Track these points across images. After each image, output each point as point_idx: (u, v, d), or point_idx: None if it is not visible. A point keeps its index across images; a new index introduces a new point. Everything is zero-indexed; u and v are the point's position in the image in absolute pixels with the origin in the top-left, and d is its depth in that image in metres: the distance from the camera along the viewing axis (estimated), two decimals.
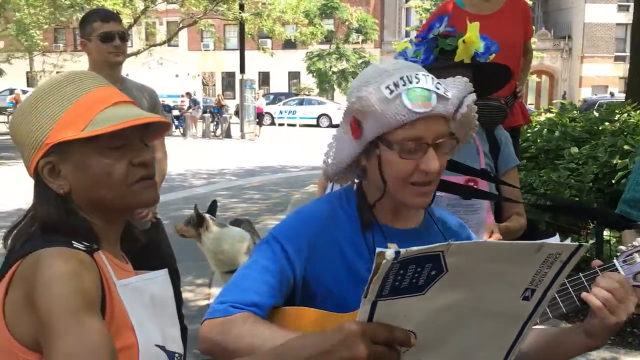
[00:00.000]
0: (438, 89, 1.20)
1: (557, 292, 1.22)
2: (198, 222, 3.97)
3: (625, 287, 1.19)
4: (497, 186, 2.19)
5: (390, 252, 0.78)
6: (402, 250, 0.79)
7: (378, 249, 0.79)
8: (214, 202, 4.32)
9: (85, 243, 1.11)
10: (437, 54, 2.10)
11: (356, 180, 1.38)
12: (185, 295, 4.31)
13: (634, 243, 1.27)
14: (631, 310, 1.19)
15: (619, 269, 1.26)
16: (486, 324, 0.97)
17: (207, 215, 4.05)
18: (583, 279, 1.26)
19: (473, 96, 1.27)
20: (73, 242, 1.09)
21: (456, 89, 1.25)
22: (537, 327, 1.32)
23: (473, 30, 2.11)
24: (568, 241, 1.36)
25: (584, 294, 1.21)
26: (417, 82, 1.20)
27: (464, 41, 2.09)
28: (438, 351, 0.95)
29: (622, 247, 1.29)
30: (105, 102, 1.16)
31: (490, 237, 2.12)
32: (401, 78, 1.20)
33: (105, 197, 1.16)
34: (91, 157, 1.14)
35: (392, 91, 1.19)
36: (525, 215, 2.39)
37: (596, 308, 1.19)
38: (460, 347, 0.98)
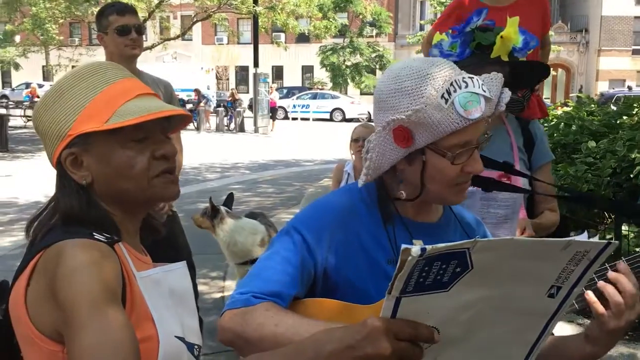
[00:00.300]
0: (485, 91, 1.19)
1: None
2: (213, 214, 4.02)
3: (634, 296, 1.15)
4: (531, 181, 2.16)
5: (416, 248, 0.77)
6: (428, 247, 0.78)
7: (403, 245, 0.79)
8: (231, 195, 4.35)
9: (106, 234, 1.12)
10: (473, 49, 2.07)
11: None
12: (200, 288, 4.33)
13: None
14: (632, 318, 1.14)
15: None
16: (510, 321, 0.96)
17: (222, 208, 4.08)
18: (594, 276, 1.21)
19: (509, 92, 1.26)
20: (94, 233, 1.10)
21: (495, 86, 1.23)
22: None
23: (512, 25, 2.05)
24: (585, 236, 1.34)
25: (588, 297, 1.17)
26: (466, 87, 1.18)
27: (501, 37, 2.04)
28: (460, 347, 0.94)
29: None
30: (129, 94, 1.16)
31: (522, 233, 2.09)
32: (452, 84, 1.18)
33: (127, 189, 1.16)
34: (114, 149, 1.14)
35: (447, 100, 1.17)
36: (558, 212, 2.35)
37: (596, 313, 1.15)
38: (483, 344, 0.97)
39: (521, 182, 2.10)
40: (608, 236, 4.58)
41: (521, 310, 0.95)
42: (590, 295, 1.17)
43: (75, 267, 1.01)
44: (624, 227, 4.27)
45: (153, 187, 1.18)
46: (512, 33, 2.04)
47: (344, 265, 1.27)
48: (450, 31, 2.16)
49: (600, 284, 1.17)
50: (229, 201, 4.26)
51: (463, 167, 1.21)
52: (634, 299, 1.15)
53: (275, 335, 1.11)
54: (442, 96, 1.17)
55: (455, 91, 1.17)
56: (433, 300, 0.85)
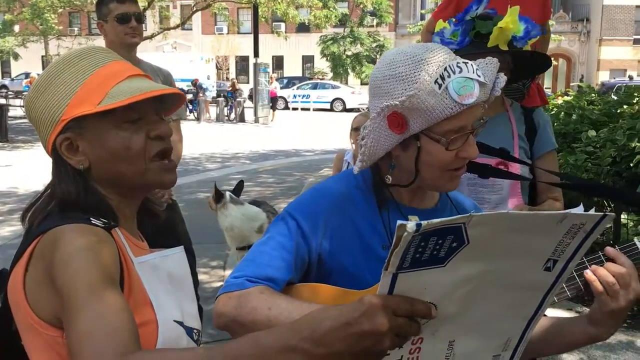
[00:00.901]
0: (479, 76, 1.19)
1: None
2: (217, 199, 4.13)
3: (631, 273, 1.16)
4: (533, 169, 2.15)
5: (411, 224, 0.77)
6: (424, 223, 0.78)
7: (399, 222, 0.78)
8: (241, 182, 4.47)
9: (103, 220, 1.12)
10: (472, 37, 2.06)
11: (350, 162, 1.38)
12: (200, 277, 4.35)
13: None
14: (631, 298, 1.16)
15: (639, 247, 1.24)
16: (507, 295, 0.96)
17: (227, 193, 4.16)
18: (587, 263, 1.23)
19: (504, 77, 1.25)
20: (91, 218, 1.10)
21: (490, 71, 1.23)
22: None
23: (512, 15, 2.04)
24: (580, 209, 1.34)
25: (588, 276, 1.19)
26: (460, 72, 1.18)
27: (500, 27, 2.02)
28: (458, 322, 0.95)
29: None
30: (120, 76, 1.16)
31: None
32: (445, 69, 1.18)
33: (124, 171, 1.16)
34: (108, 131, 1.14)
35: (440, 85, 1.17)
36: (562, 201, 2.34)
37: (596, 292, 1.17)
38: (481, 318, 0.97)
39: (520, 170, 2.09)
40: (607, 225, 4.59)
41: (518, 284, 0.96)
42: (589, 274, 1.18)
43: (72, 251, 1.01)
44: (623, 215, 4.28)
45: (150, 170, 1.17)
46: (510, 22, 2.02)
47: (338, 251, 1.27)
48: (453, 19, 2.15)
49: (593, 267, 1.19)
50: (239, 188, 4.35)
51: (458, 152, 1.21)
52: (624, 279, 1.15)
53: (269, 319, 1.11)
54: (436, 81, 1.17)
55: (449, 76, 1.17)
56: (430, 276, 0.85)
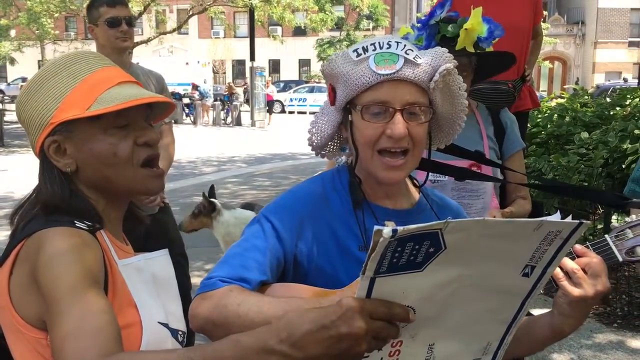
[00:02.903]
0: (407, 54, 1.20)
1: None
2: (210, 208, 4.06)
3: (598, 265, 1.15)
4: (502, 170, 2.17)
5: (387, 230, 0.78)
6: (400, 229, 0.79)
7: (376, 227, 0.79)
8: (212, 187, 4.39)
9: (87, 222, 1.13)
10: (438, 41, 2.07)
11: (344, 158, 1.39)
12: (194, 280, 4.35)
13: (627, 219, 1.26)
14: (599, 289, 1.14)
15: (610, 243, 1.25)
16: (486, 300, 0.97)
17: (216, 201, 4.13)
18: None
19: (448, 65, 1.22)
20: (75, 221, 1.11)
21: (430, 56, 1.23)
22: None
23: (476, 17, 2.06)
24: (557, 216, 1.35)
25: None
26: (388, 48, 1.21)
27: (465, 29, 2.05)
28: (438, 325, 0.96)
29: (615, 224, 1.29)
30: (110, 82, 1.17)
31: None
32: (372, 44, 1.22)
33: (110, 176, 1.17)
34: (96, 136, 1.15)
35: (359, 54, 1.22)
36: (530, 200, 2.38)
37: (556, 277, 1.15)
38: (461, 322, 0.98)
39: (492, 171, 2.11)
40: (599, 226, 4.60)
41: (497, 289, 0.97)
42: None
43: (55, 254, 1.02)
44: (614, 217, 4.30)
45: (137, 177, 1.18)
46: (475, 24, 2.05)
47: (315, 252, 1.27)
48: (416, 24, 2.17)
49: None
50: (212, 193, 4.31)
51: (384, 130, 1.21)
52: (594, 269, 1.15)
53: (239, 314, 1.11)
54: (355, 50, 1.23)
55: (374, 50, 1.21)
56: (408, 280, 0.86)
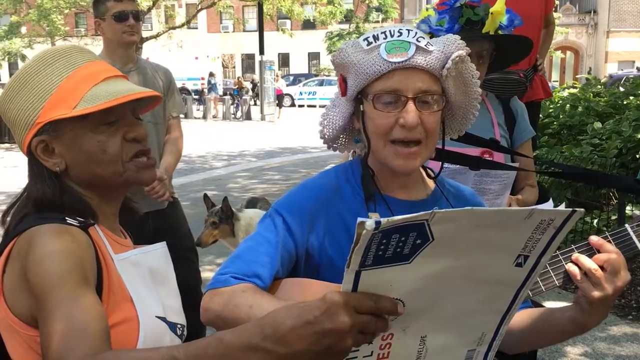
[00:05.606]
0: (419, 41, 1.18)
1: (550, 264, 1.17)
2: (230, 215, 3.91)
3: (617, 261, 1.12)
4: (512, 157, 2.16)
5: (370, 222, 0.76)
6: (383, 220, 0.77)
7: (359, 219, 0.78)
8: (205, 195, 4.18)
9: (79, 219, 1.11)
10: (463, 24, 2.07)
11: (358, 150, 1.36)
12: (205, 274, 4.35)
13: None
14: (619, 285, 1.11)
15: (631, 233, 1.21)
16: (478, 290, 0.95)
17: (233, 208, 3.98)
18: (576, 250, 1.19)
19: (461, 52, 1.20)
20: (67, 218, 1.09)
21: (442, 43, 1.21)
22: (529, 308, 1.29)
23: (500, 2, 2.08)
24: (550, 204, 1.32)
25: (568, 265, 1.16)
26: (399, 35, 1.18)
27: (492, 13, 2.05)
28: (430, 317, 0.94)
29: (637, 212, 1.25)
30: (96, 78, 1.14)
31: None
32: (383, 32, 1.19)
33: (101, 174, 1.16)
34: (84, 135, 1.13)
35: (369, 43, 1.19)
36: (537, 187, 2.37)
37: (576, 281, 1.14)
38: (453, 313, 0.96)
39: (503, 159, 2.10)
40: (613, 217, 4.55)
41: (489, 279, 0.94)
42: (570, 267, 1.16)
43: (45, 252, 1.01)
44: (628, 208, 4.24)
45: (128, 171, 1.17)
46: (500, 9, 2.06)
47: (326, 244, 1.26)
48: (436, 7, 2.16)
49: (574, 256, 1.16)
50: (207, 202, 4.08)
51: (397, 119, 1.18)
52: (613, 266, 1.12)
53: (250, 317, 1.10)
54: (366, 39, 1.20)
55: (385, 38, 1.18)
56: (395, 273, 0.84)
